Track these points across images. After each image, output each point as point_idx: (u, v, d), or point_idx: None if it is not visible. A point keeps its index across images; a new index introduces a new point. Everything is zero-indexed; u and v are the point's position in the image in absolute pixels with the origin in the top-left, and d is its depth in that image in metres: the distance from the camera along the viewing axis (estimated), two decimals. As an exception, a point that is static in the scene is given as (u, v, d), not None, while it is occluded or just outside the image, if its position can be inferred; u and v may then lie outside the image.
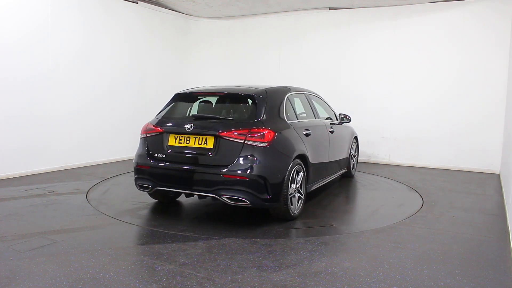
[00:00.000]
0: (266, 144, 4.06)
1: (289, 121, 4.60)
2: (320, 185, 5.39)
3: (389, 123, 8.41)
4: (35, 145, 6.55)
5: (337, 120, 6.23)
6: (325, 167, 5.46)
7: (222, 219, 4.48)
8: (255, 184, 3.97)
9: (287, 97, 4.82)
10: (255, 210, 4.72)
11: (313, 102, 5.69)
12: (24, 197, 5.14)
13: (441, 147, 8.01)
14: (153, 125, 4.56)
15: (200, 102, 4.92)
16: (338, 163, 6.09)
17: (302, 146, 4.57)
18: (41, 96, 6.58)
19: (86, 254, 3.38)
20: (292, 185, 4.31)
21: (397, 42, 8.26)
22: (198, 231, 4.04)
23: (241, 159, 4.01)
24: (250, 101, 4.49)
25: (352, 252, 3.62)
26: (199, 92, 4.86)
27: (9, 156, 6.18)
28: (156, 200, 5.12)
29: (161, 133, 4.43)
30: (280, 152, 4.20)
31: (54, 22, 6.68)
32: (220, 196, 4.04)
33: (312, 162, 4.83)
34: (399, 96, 8.33)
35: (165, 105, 4.97)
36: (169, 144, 4.37)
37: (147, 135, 4.55)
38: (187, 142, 4.27)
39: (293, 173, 4.30)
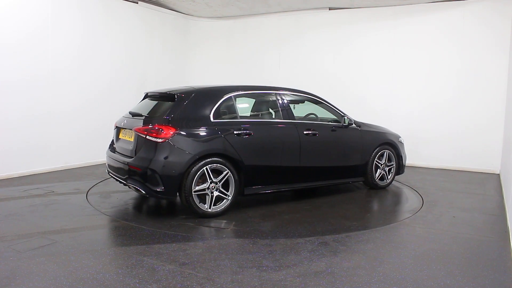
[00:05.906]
0: (163, 140, 4.31)
1: (216, 120, 4.60)
2: (281, 190, 5.09)
3: (389, 123, 8.35)
4: (35, 145, 6.55)
5: (344, 123, 5.70)
6: (292, 172, 5.14)
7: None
8: (147, 176, 4.30)
9: (230, 97, 4.83)
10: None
11: (287, 102, 5.30)
12: (24, 197, 5.14)
13: (441, 147, 8.01)
14: (117, 121, 5.20)
15: (149, 101, 5.19)
16: (338, 170, 5.62)
17: (225, 146, 4.52)
18: (41, 96, 6.58)
19: (86, 254, 3.39)
20: (206, 183, 4.40)
21: (397, 42, 8.25)
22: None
23: (140, 152, 4.41)
24: (172, 100, 4.71)
25: (352, 252, 3.62)
26: (152, 92, 5.23)
27: (9, 156, 6.18)
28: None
29: (117, 127, 5.06)
30: (179, 148, 4.32)
31: (54, 23, 6.67)
32: (127, 184, 4.52)
33: (251, 164, 4.69)
34: (399, 96, 8.32)
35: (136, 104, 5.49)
36: (119, 137, 4.96)
37: (113, 130, 5.19)
38: (125, 136, 4.82)
39: (204, 171, 4.37)
